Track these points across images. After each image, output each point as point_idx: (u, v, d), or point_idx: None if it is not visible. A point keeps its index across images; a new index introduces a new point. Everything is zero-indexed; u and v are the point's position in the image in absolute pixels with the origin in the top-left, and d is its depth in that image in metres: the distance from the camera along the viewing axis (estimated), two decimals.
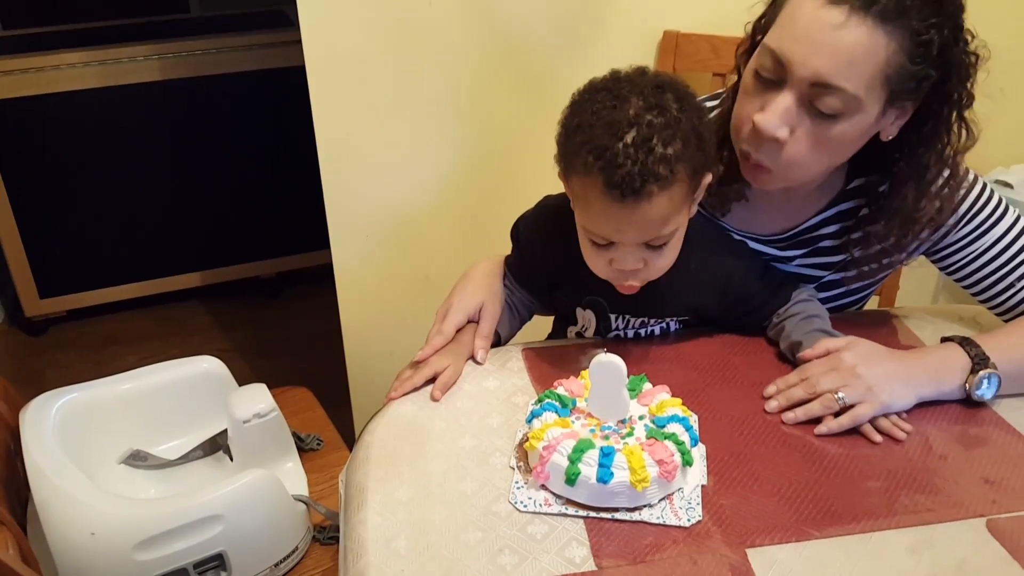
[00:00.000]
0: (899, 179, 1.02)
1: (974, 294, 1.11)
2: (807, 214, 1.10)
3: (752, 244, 1.12)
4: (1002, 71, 1.81)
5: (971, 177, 1.06)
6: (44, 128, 2.38)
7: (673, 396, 0.95)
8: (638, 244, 0.95)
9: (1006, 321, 1.09)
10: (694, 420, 0.94)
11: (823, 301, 1.12)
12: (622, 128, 0.88)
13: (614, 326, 1.13)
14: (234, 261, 2.73)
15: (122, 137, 2.47)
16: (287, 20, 2.55)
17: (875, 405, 0.95)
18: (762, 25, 0.99)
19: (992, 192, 1.07)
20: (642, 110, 0.89)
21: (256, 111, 2.55)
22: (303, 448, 1.41)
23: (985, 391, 0.98)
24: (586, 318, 1.14)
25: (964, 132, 0.99)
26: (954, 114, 0.98)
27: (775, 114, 0.93)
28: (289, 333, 2.60)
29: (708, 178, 0.97)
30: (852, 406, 0.95)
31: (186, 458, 1.32)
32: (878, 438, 0.94)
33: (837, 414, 0.96)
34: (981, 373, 0.97)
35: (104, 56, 2.37)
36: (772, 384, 1.01)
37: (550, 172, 1.26)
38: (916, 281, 1.90)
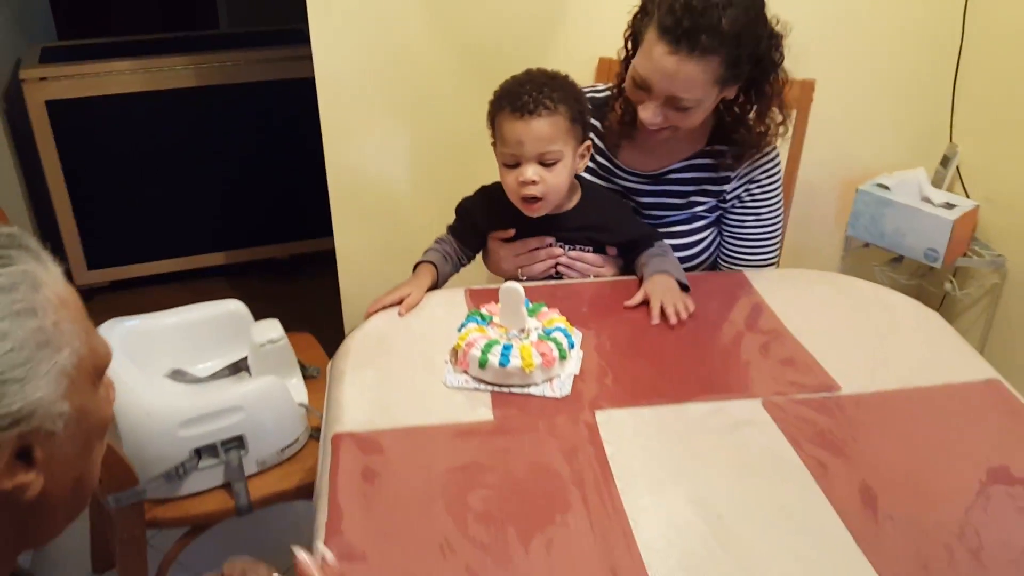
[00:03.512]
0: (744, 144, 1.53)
1: (723, 241, 1.64)
2: (675, 159, 1.58)
3: (631, 180, 1.61)
4: (882, 98, 2.21)
5: (779, 169, 1.58)
6: (96, 125, 2.74)
7: (565, 320, 1.35)
8: (535, 160, 1.40)
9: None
10: (575, 333, 1.34)
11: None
12: (523, 82, 1.40)
13: None
14: (254, 243, 3.11)
15: (161, 134, 2.84)
16: (304, 37, 2.93)
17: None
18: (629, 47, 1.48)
19: (781, 202, 1.62)
20: (537, 76, 1.42)
21: (274, 115, 2.90)
22: (305, 375, 1.80)
23: None
24: None
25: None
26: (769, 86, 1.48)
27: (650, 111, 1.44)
28: (299, 304, 2.98)
29: (588, 143, 1.47)
30: None
31: (215, 376, 1.71)
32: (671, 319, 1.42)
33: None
34: None
35: (147, 65, 2.74)
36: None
37: None
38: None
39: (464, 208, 1.61)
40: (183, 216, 3.01)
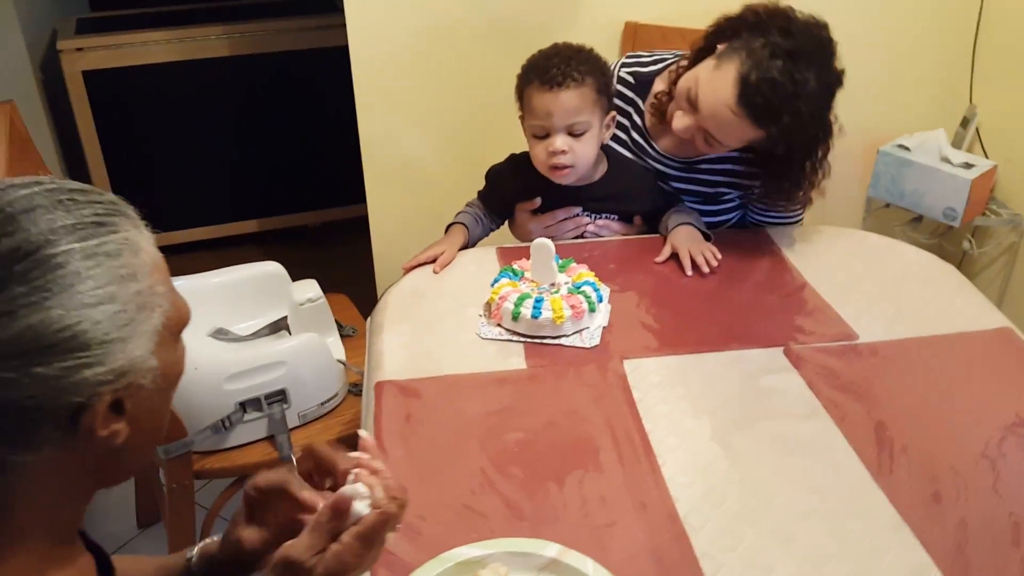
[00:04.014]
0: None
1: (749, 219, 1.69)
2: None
3: (663, 164, 1.62)
4: (903, 61, 2.23)
5: None
6: (131, 94, 2.79)
7: (594, 275, 1.40)
8: (564, 131, 1.44)
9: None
10: (604, 288, 1.40)
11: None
12: (551, 56, 1.44)
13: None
14: (287, 211, 3.16)
15: (195, 103, 2.89)
16: (335, 6, 2.97)
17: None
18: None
19: None
20: (563, 49, 1.45)
21: (307, 84, 2.94)
22: (342, 333, 1.87)
23: None
24: None
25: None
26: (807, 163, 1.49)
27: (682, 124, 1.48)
28: (332, 269, 3.03)
29: (613, 114, 1.49)
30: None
31: (256, 335, 1.78)
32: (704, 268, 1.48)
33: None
34: None
35: (181, 35, 2.77)
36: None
37: None
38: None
39: (492, 176, 1.66)
40: (217, 184, 3.06)
